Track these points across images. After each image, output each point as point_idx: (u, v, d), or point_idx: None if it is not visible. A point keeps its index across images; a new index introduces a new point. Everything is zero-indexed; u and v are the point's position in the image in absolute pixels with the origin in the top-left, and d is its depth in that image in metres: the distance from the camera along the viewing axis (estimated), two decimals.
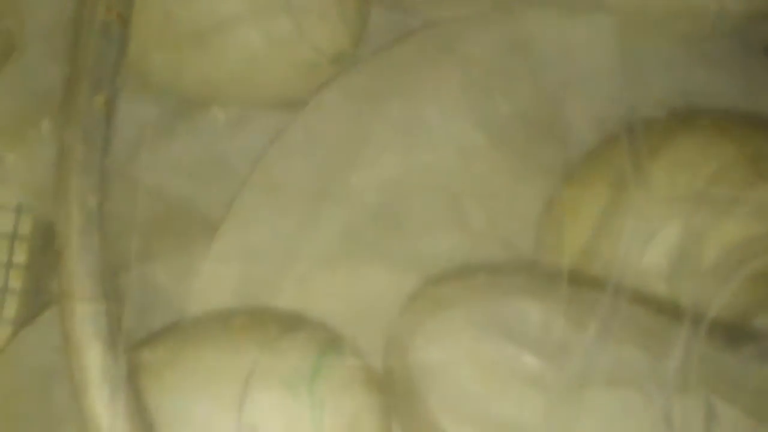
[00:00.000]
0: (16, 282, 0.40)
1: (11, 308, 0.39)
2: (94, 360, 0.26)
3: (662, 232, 0.33)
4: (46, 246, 0.40)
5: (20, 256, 0.40)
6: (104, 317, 0.26)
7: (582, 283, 0.32)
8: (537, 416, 0.35)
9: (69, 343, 0.26)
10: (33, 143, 0.38)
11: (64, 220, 0.27)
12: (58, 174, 0.28)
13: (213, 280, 0.39)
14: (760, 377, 0.31)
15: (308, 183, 0.39)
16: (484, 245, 0.37)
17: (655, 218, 0.33)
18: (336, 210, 0.39)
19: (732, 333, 0.32)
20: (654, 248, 0.33)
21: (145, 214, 0.39)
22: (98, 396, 0.26)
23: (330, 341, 0.35)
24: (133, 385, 0.26)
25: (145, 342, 0.36)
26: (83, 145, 0.27)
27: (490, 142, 0.40)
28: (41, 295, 0.40)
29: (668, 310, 0.32)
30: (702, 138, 0.36)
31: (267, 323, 0.35)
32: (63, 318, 0.27)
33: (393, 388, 0.36)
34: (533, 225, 0.38)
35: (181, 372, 0.34)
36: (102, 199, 0.27)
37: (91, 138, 0.27)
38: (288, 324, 0.36)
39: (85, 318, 0.26)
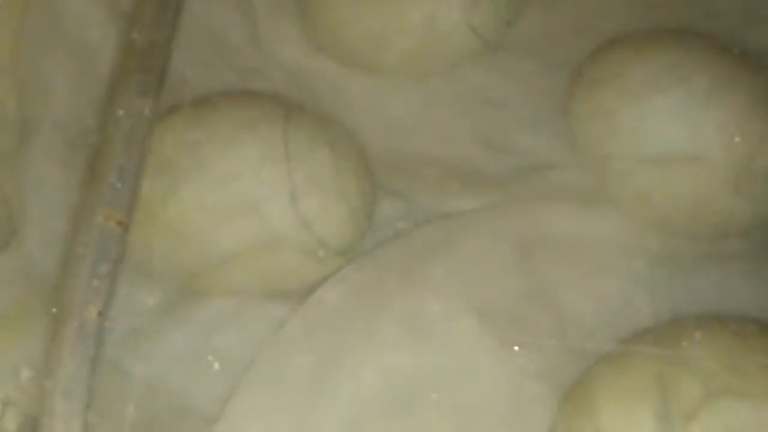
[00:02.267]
0: None
1: None
2: None
3: None
4: None
5: None
6: None
7: None
8: None
9: None
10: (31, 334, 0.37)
11: None
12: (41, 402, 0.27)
13: None
14: None
15: (307, 379, 0.38)
16: None
17: None
18: (335, 407, 0.38)
19: None
20: None
21: (138, 411, 0.38)
22: None
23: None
24: None
25: None
26: (70, 365, 0.26)
27: (493, 340, 0.39)
28: None
29: None
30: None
31: None
32: None
33: None
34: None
35: None
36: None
37: (80, 353, 0.26)
38: None
39: None
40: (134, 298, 0.40)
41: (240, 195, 0.38)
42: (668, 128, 0.41)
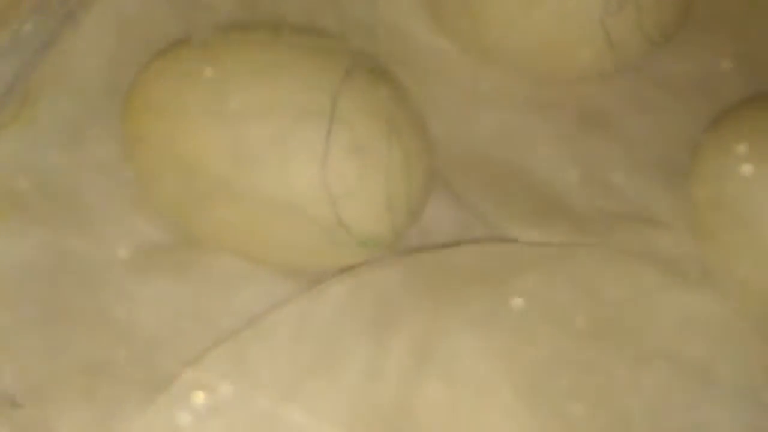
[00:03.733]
0: None
1: None
2: None
3: None
4: None
5: None
6: None
7: None
8: None
9: None
10: None
11: None
12: None
13: None
14: None
15: (284, 377, 0.33)
16: None
17: None
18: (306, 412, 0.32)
19: None
20: None
21: (102, 350, 0.34)
22: None
23: None
24: None
25: None
26: None
27: (515, 392, 0.33)
28: None
29: None
30: None
31: None
32: None
33: None
34: None
35: None
36: None
37: None
38: None
39: None
40: (139, 232, 0.36)
41: (264, 140, 0.33)
42: None
